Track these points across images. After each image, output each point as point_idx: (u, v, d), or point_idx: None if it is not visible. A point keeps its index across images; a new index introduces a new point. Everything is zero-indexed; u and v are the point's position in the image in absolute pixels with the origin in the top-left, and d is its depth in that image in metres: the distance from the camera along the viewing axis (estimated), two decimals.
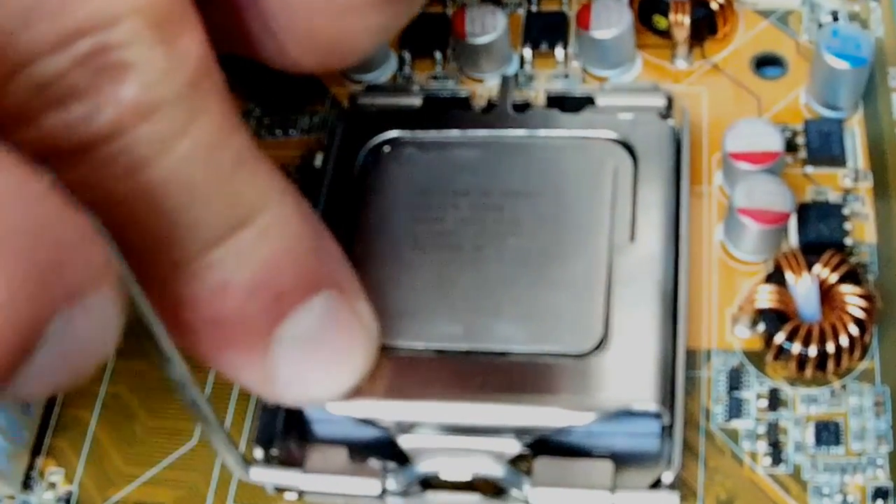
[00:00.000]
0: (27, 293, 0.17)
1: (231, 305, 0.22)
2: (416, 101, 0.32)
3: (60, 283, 0.17)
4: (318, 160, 0.31)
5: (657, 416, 0.25)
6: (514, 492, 0.25)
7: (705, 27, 0.33)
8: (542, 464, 0.25)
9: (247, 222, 0.22)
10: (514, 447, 0.25)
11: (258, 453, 0.26)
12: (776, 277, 0.28)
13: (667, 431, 0.25)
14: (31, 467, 0.29)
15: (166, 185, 0.20)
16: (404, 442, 0.26)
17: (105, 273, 0.18)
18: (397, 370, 0.26)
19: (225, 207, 0.21)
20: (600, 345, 0.26)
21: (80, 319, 0.18)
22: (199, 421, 0.24)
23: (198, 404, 0.24)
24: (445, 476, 0.26)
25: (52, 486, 0.29)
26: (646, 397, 0.25)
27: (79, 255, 0.18)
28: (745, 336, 0.28)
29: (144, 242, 0.21)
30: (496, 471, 0.25)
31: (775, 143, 0.29)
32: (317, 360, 0.24)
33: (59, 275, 0.17)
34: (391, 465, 0.26)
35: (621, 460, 0.25)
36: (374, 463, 0.26)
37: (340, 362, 0.25)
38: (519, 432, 0.25)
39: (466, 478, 0.26)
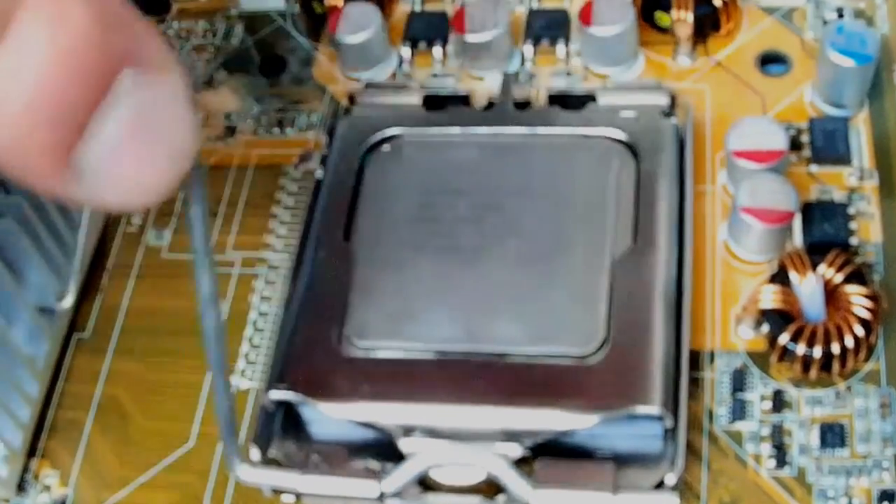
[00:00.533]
0: (103, 27, 0.18)
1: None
2: (416, 99, 0.32)
3: (128, 39, 0.19)
4: (316, 159, 0.31)
5: (660, 418, 0.25)
6: (515, 493, 0.25)
7: (708, 24, 0.33)
8: (543, 465, 0.25)
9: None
10: (515, 451, 0.25)
11: (255, 454, 0.26)
12: (780, 277, 0.28)
13: (670, 433, 0.25)
14: (25, 470, 0.29)
15: None
16: (405, 446, 0.26)
17: (168, 54, 0.20)
18: (398, 373, 0.26)
19: None
20: (602, 346, 0.26)
21: (150, 85, 0.19)
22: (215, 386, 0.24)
23: (216, 363, 0.24)
24: (446, 481, 0.26)
25: (47, 488, 0.29)
26: (649, 401, 0.25)
27: (143, 32, 0.19)
28: (748, 337, 0.28)
29: None
30: (497, 474, 0.25)
31: (780, 142, 0.29)
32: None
33: (125, 32, 0.19)
34: (390, 466, 0.26)
35: (623, 461, 0.26)
36: (372, 464, 0.26)
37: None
38: (521, 436, 0.25)
39: (468, 482, 0.26)
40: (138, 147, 0.20)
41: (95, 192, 0.21)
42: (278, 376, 0.27)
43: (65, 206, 0.31)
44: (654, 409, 0.25)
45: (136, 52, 0.20)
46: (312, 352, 0.27)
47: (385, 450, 0.26)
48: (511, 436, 0.26)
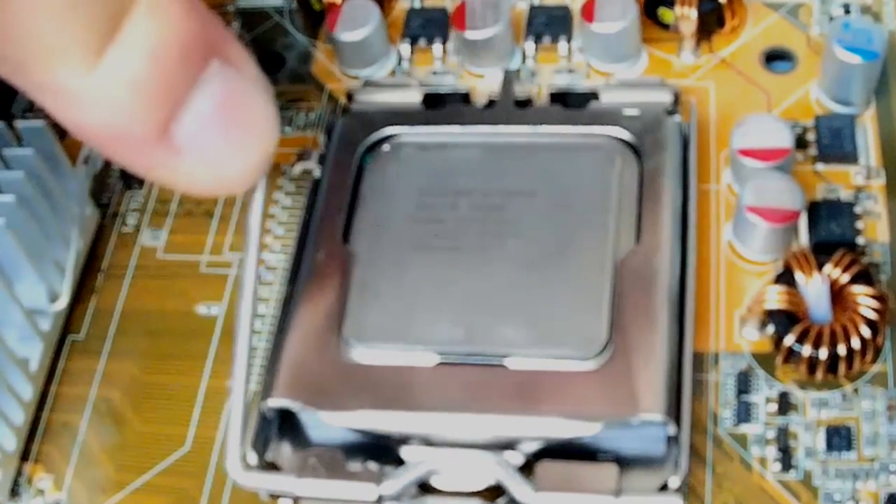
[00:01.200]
0: (197, 24, 0.23)
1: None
2: (416, 98, 0.32)
3: (216, 36, 0.24)
4: (315, 158, 0.31)
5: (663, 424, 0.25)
6: (516, 496, 0.25)
7: (713, 20, 0.33)
8: (545, 468, 0.25)
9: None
10: (517, 458, 0.26)
11: (252, 458, 0.27)
12: (786, 278, 0.28)
13: (673, 436, 0.25)
14: (18, 474, 0.29)
15: None
16: (405, 453, 0.26)
17: (248, 57, 0.25)
18: (399, 380, 0.26)
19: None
20: (605, 349, 0.26)
21: (231, 72, 0.24)
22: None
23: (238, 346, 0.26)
24: (446, 488, 0.26)
25: (41, 493, 0.29)
26: (652, 407, 0.25)
27: (226, 34, 0.24)
28: (753, 338, 0.28)
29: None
30: (498, 477, 0.25)
31: (785, 140, 0.29)
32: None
33: (213, 30, 0.24)
34: (389, 469, 0.26)
35: (626, 464, 0.26)
36: (371, 467, 0.26)
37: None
38: (522, 444, 0.26)
39: (469, 489, 0.26)
40: (227, 125, 0.24)
41: (189, 166, 0.24)
42: (277, 383, 0.27)
43: (58, 205, 0.31)
44: (656, 416, 0.25)
45: (222, 47, 0.24)
46: (311, 357, 0.27)
47: (384, 452, 0.26)
48: (512, 444, 0.26)
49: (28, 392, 0.29)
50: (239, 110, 0.25)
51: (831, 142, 0.31)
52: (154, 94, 0.23)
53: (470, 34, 0.33)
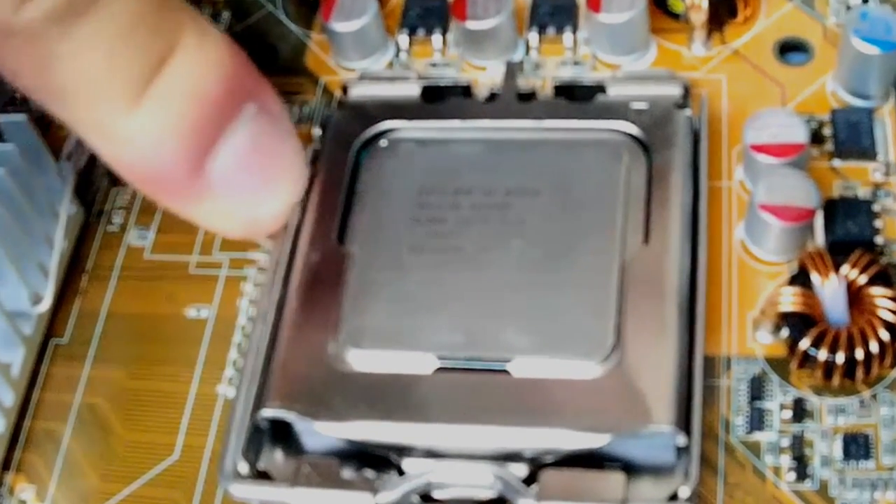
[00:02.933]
0: (235, 68, 0.26)
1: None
2: (414, 90, 0.32)
3: (253, 82, 0.27)
4: (308, 154, 0.31)
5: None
6: None
7: (725, 10, 0.33)
8: (549, 476, 0.25)
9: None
10: (521, 470, 0.26)
11: (243, 468, 0.27)
12: (801, 279, 0.28)
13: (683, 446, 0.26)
14: (0, 484, 0.29)
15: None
16: (404, 465, 0.26)
17: (281, 103, 0.28)
18: (397, 389, 0.26)
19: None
20: (611, 354, 0.26)
21: (264, 117, 0.27)
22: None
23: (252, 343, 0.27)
24: (446, 498, 0.26)
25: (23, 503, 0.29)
26: (661, 417, 0.25)
27: (262, 80, 0.28)
28: (767, 342, 0.28)
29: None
30: (500, 487, 0.25)
31: (800, 135, 0.29)
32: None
33: (251, 76, 0.27)
34: (386, 477, 0.26)
35: (634, 472, 0.26)
36: (367, 475, 0.26)
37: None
38: (526, 456, 0.26)
39: (470, 500, 0.26)
40: (259, 166, 0.27)
41: (223, 204, 0.27)
42: (271, 392, 0.27)
43: (41, 203, 0.31)
44: (666, 427, 0.25)
45: (258, 92, 0.27)
46: (306, 364, 0.27)
47: (381, 460, 0.26)
48: (515, 456, 0.26)
49: (9, 398, 0.30)
50: (271, 153, 0.28)
51: (848, 137, 0.31)
52: (191, 134, 0.26)
53: (471, 24, 0.33)
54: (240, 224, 0.28)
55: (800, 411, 0.27)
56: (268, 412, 0.27)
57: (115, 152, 0.26)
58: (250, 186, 0.27)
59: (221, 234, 0.29)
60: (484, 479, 0.26)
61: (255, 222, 0.28)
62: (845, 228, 0.29)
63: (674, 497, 0.25)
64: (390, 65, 0.35)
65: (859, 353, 0.26)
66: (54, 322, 0.32)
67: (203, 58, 0.26)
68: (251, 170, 0.27)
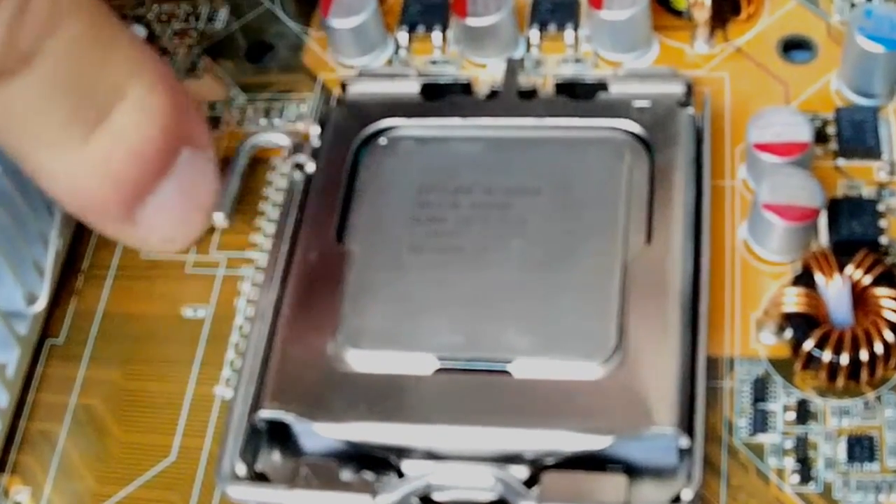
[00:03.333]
0: (176, 119, 0.28)
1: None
2: (414, 88, 0.32)
3: (190, 125, 0.29)
4: (307, 152, 0.32)
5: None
6: None
7: (728, 7, 0.33)
8: (550, 478, 0.25)
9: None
10: (522, 472, 0.26)
11: (241, 469, 0.27)
12: (805, 279, 0.28)
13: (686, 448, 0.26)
14: None
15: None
16: (404, 467, 0.26)
17: (209, 134, 0.30)
18: (396, 390, 0.26)
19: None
20: (613, 355, 0.26)
21: (197, 161, 0.29)
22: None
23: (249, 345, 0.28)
24: (446, 499, 0.26)
25: None
26: (663, 419, 0.25)
27: (196, 118, 0.29)
28: (771, 343, 0.28)
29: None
30: (501, 489, 0.25)
31: (804, 134, 0.29)
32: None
33: (189, 120, 0.29)
34: (385, 479, 0.26)
35: (636, 475, 0.26)
36: (366, 477, 0.26)
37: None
38: (527, 458, 0.26)
39: (471, 502, 0.26)
40: (182, 206, 0.30)
41: (147, 237, 0.30)
42: (268, 393, 0.27)
43: (36, 201, 0.31)
44: (668, 428, 0.25)
45: (192, 135, 0.29)
46: (304, 364, 0.27)
47: (380, 462, 0.26)
48: (516, 458, 0.26)
49: (4, 399, 0.29)
50: (195, 191, 0.30)
51: (853, 135, 0.31)
52: (127, 186, 0.28)
53: (471, 21, 0.33)
54: (157, 246, 0.31)
55: (803, 413, 0.27)
56: (265, 413, 0.27)
57: (48, 187, 0.28)
58: (172, 222, 0.30)
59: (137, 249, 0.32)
60: (484, 482, 0.26)
61: (171, 245, 0.31)
62: (850, 228, 0.29)
63: (676, 500, 0.25)
64: (390, 62, 0.35)
65: (864, 355, 0.26)
66: (50, 322, 0.32)
67: (146, 111, 0.27)
68: (175, 210, 0.30)
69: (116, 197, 0.28)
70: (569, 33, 0.34)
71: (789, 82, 0.32)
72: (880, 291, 0.27)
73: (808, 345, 0.27)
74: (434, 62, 0.35)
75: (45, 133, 0.26)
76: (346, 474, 0.26)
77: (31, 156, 0.27)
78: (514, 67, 0.32)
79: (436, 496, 0.26)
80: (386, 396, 0.26)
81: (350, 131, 0.31)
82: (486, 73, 0.34)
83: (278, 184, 0.33)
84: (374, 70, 0.34)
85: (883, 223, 0.29)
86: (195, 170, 0.30)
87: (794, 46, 0.33)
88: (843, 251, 0.28)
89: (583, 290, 0.27)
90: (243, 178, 0.32)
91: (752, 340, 0.28)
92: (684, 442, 0.25)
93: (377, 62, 0.35)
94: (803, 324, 0.27)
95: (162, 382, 0.30)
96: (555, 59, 0.34)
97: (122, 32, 0.27)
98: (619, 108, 0.30)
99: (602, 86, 0.31)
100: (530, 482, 0.26)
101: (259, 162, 0.33)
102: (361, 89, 0.32)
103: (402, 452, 0.26)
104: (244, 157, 0.32)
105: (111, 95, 0.27)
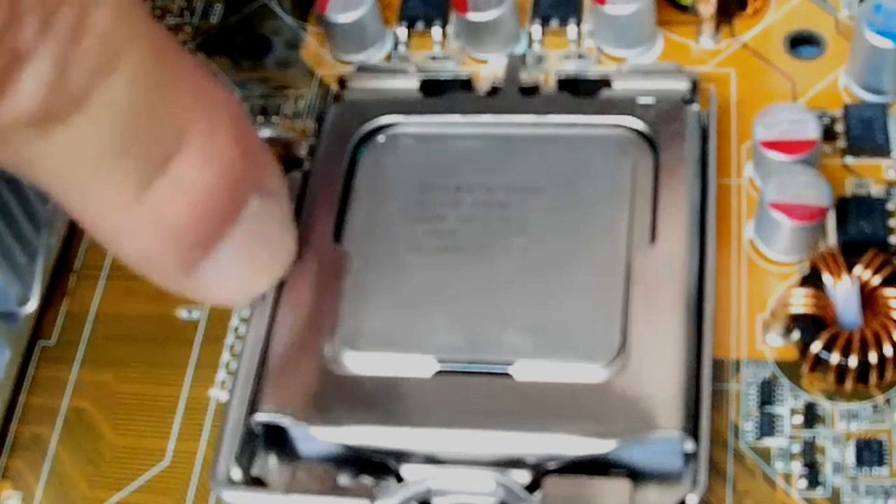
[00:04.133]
0: (244, 164, 0.25)
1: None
2: (413, 84, 0.32)
3: (259, 171, 0.26)
4: (304, 150, 0.32)
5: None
6: None
7: (734, 2, 0.33)
8: (552, 483, 0.25)
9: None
10: (524, 477, 0.26)
11: (236, 474, 0.27)
12: (813, 280, 0.28)
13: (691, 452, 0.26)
14: None
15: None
16: (404, 472, 0.26)
17: (283, 182, 0.27)
18: (395, 393, 0.26)
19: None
20: (617, 357, 0.26)
21: (267, 209, 0.26)
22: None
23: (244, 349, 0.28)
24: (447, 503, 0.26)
25: None
26: (668, 422, 0.25)
27: (268, 162, 0.27)
28: (778, 345, 0.28)
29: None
30: (502, 494, 0.25)
31: (812, 131, 0.29)
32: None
33: (258, 165, 0.26)
34: (384, 483, 0.26)
35: (640, 479, 0.26)
36: (365, 482, 0.26)
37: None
38: (529, 462, 0.26)
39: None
40: (252, 260, 0.27)
41: (211, 294, 0.27)
42: (265, 396, 0.27)
43: (27, 200, 0.31)
44: (673, 432, 0.25)
45: (262, 179, 0.26)
46: (301, 367, 0.27)
47: (379, 466, 0.26)
48: (518, 462, 0.26)
49: None
50: (265, 247, 0.27)
51: (861, 133, 0.31)
52: (188, 242, 0.25)
53: (472, 16, 0.33)
54: (219, 302, 0.29)
55: (811, 416, 0.27)
56: (262, 416, 0.27)
57: (105, 242, 0.26)
58: (238, 280, 0.27)
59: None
60: (485, 486, 0.26)
61: (236, 301, 0.29)
62: (858, 228, 0.29)
63: None
64: (388, 58, 0.35)
65: (873, 357, 0.27)
66: (41, 323, 0.32)
67: (211, 157, 0.24)
68: (243, 266, 0.27)
69: (175, 253, 0.25)
70: (571, 28, 0.34)
71: (797, 78, 0.32)
72: (889, 292, 0.27)
73: (816, 347, 0.27)
74: (434, 58, 0.35)
75: (99, 185, 0.23)
76: (344, 479, 0.26)
77: (84, 209, 0.24)
78: (515, 63, 0.32)
79: (436, 501, 0.26)
80: (385, 399, 0.26)
81: (348, 129, 0.31)
82: (487, 69, 0.34)
83: None
84: (372, 66, 0.34)
85: (892, 223, 0.29)
86: (265, 221, 0.27)
87: (801, 42, 0.33)
88: (851, 251, 0.28)
89: (586, 290, 0.27)
90: None
91: (759, 342, 0.28)
92: (689, 446, 0.25)
93: (376, 58, 0.35)
94: (811, 325, 0.27)
95: (156, 385, 0.30)
96: (557, 55, 0.34)
97: (185, 63, 0.24)
98: (623, 105, 0.30)
99: (605, 82, 0.31)
100: (532, 487, 0.26)
101: None
102: (360, 86, 0.32)
103: (402, 457, 0.26)
104: None
105: (172, 140, 0.24)
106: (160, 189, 0.24)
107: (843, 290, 0.28)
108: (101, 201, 0.24)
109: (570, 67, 0.33)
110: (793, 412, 0.27)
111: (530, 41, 0.34)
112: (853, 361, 0.27)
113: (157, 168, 0.23)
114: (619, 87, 0.31)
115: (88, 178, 0.23)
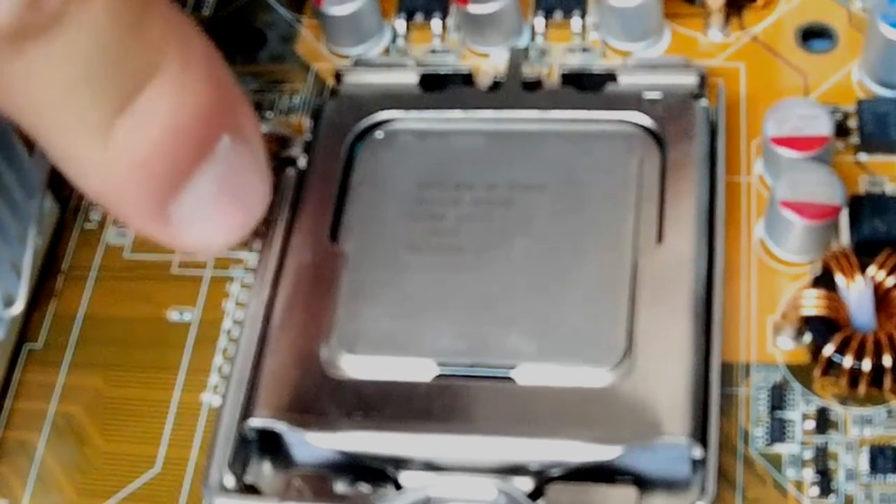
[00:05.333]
0: (216, 101, 0.26)
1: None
2: (412, 79, 0.32)
3: (232, 110, 0.26)
4: (299, 146, 0.32)
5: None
6: None
7: None
8: (556, 490, 0.26)
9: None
10: (527, 484, 0.26)
11: (229, 481, 0.27)
12: (825, 280, 0.28)
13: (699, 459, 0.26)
14: None
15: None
16: (403, 479, 0.26)
17: (257, 126, 0.28)
18: (394, 398, 0.26)
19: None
20: (622, 361, 0.26)
21: (239, 149, 0.27)
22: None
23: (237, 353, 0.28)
24: None
25: None
26: (675, 428, 0.25)
27: (242, 102, 0.27)
28: (789, 348, 0.28)
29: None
30: (505, 502, 0.25)
31: (824, 127, 0.29)
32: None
33: (231, 104, 0.26)
34: (382, 491, 0.26)
35: (647, 486, 0.26)
36: (362, 489, 0.26)
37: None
38: (532, 469, 0.26)
39: None
40: (223, 206, 0.27)
41: (181, 236, 0.27)
42: (259, 401, 0.27)
43: (13, 199, 0.31)
44: (680, 438, 0.25)
45: (235, 118, 0.27)
46: (296, 371, 0.27)
47: (376, 472, 0.26)
48: (520, 469, 0.26)
49: None
50: (237, 189, 0.27)
51: (875, 129, 0.31)
52: (158, 176, 0.26)
53: (473, 8, 0.33)
54: (192, 248, 0.29)
55: (823, 422, 0.27)
56: (256, 422, 0.27)
57: (80, 182, 0.26)
58: (210, 225, 0.27)
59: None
60: (487, 494, 0.26)
61: (208, 248, 0.29)
62: (872, 227, 0.29)
63: None
64: (387, 51, 0.35)
65: (887, 360, 0.26)
66: (28, 326, 0.32)
67: (183, 89, 0.25)
68: (214, 210, 0.27)
69: (144, 189, 0.26)
70: (576, 21, 0.34)
71: (808, 73, 0.32)
72: None
73: (829, 350, 0.27)
74: (433, 51, 0.35)
75: (68, 114, 0.24)
76: (341, 486, 0.26)
77: (53, 141, 0.25)
78: (517, 57, 0.32)
79: None
80: (383, 404, 0.26)
81: (345, 124, 0.31)
82: (489, 62, 0.34)
83: None
84: (370, 60, 0.34)
85: None
86: (237, 162, 0.27)
87: (813, 35, 0.33)
88: (865, 251, 0.28)
89: (590, 291, 0.27)
90: None
91: (769, 345, 0.28)
92: (697, 452, 0.25)
93: (373, 51, 0.35)
94: (823, 327, 0.27)
95: (146, 389, 0.30)
96: (561, 49, 0.34)
97: None
98: (629, 100, 0.30)
99: (611, 76, 0.31)
100: (535, 495, 0.26)
101: None
102: (357, 80, 0.32)
103: (400, 463, 0.26)
104: None
105: (142, 72, 0.24)
106: (130, 119, 0.25)
107: (856, 291, 0.28)
108: (71, 130, 0.25)
109: (575, 61, 0.33)
110: (804, 417, 0.27)
111: (533, 34, 0.34)
112: (867, 365, 0.27)
113: (128, 97, 0.24)
114: (625, 81, 0.31)
115: (60, 104, 0.24)
